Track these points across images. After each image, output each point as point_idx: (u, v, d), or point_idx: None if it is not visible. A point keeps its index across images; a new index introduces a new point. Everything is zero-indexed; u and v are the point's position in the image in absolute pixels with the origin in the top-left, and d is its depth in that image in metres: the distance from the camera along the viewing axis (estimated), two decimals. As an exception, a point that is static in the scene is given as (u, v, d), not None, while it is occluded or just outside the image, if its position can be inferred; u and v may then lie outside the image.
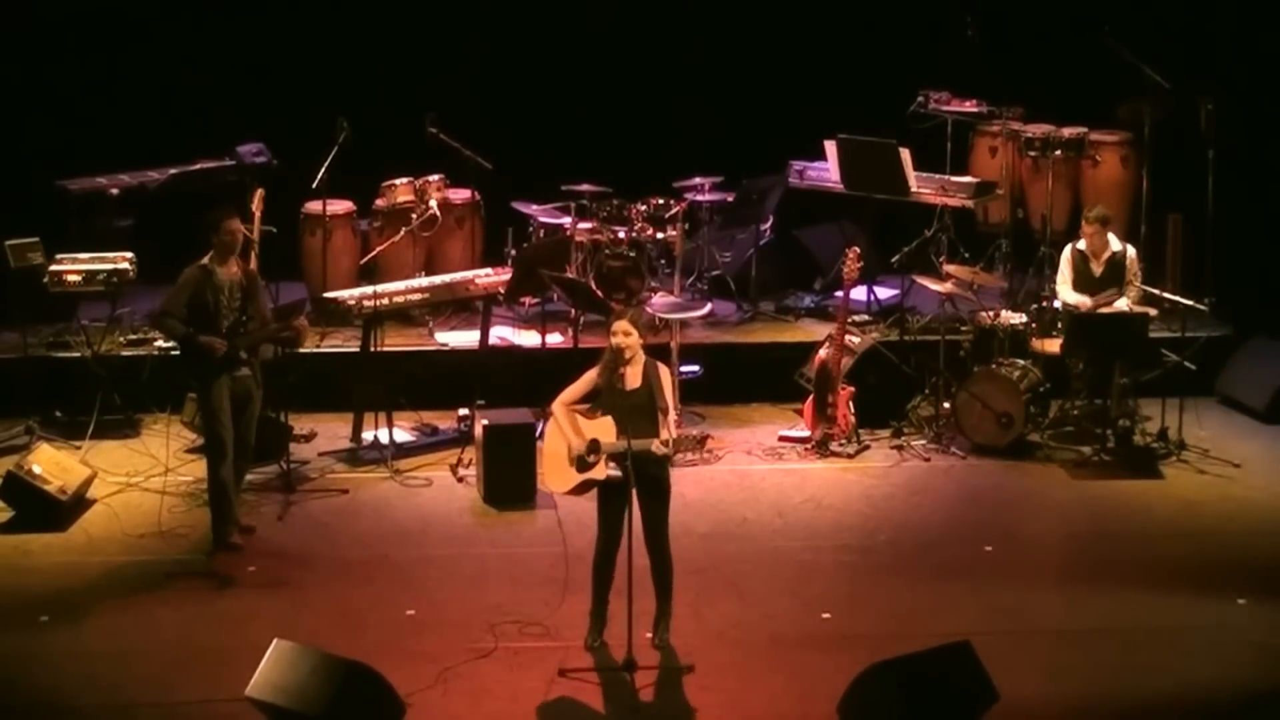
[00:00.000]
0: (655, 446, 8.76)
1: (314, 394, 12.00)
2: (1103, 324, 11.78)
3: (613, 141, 13.94)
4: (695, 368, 12.61)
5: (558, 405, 8.99)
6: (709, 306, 12.75)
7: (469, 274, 12.60)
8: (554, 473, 9.05)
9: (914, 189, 13.22)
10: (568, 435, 8.89)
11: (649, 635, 9.06)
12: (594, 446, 8.81)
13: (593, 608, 9.10)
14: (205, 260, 10.15)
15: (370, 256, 12.89)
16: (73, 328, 12.52)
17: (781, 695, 8.65)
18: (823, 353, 11.99)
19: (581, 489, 8.97)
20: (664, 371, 9.00)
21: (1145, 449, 11.81)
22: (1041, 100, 13.81)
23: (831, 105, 13.68)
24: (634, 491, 8.73)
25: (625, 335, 8.84)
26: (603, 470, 8.82)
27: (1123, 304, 11.93)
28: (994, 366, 11.93)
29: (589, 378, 9.00)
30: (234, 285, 10.16)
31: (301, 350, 11.45)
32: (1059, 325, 12.02)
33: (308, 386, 11.79)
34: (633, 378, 8.90)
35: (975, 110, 13.88)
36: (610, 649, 8.98)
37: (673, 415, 9.09)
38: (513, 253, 13.44)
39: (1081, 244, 12.09)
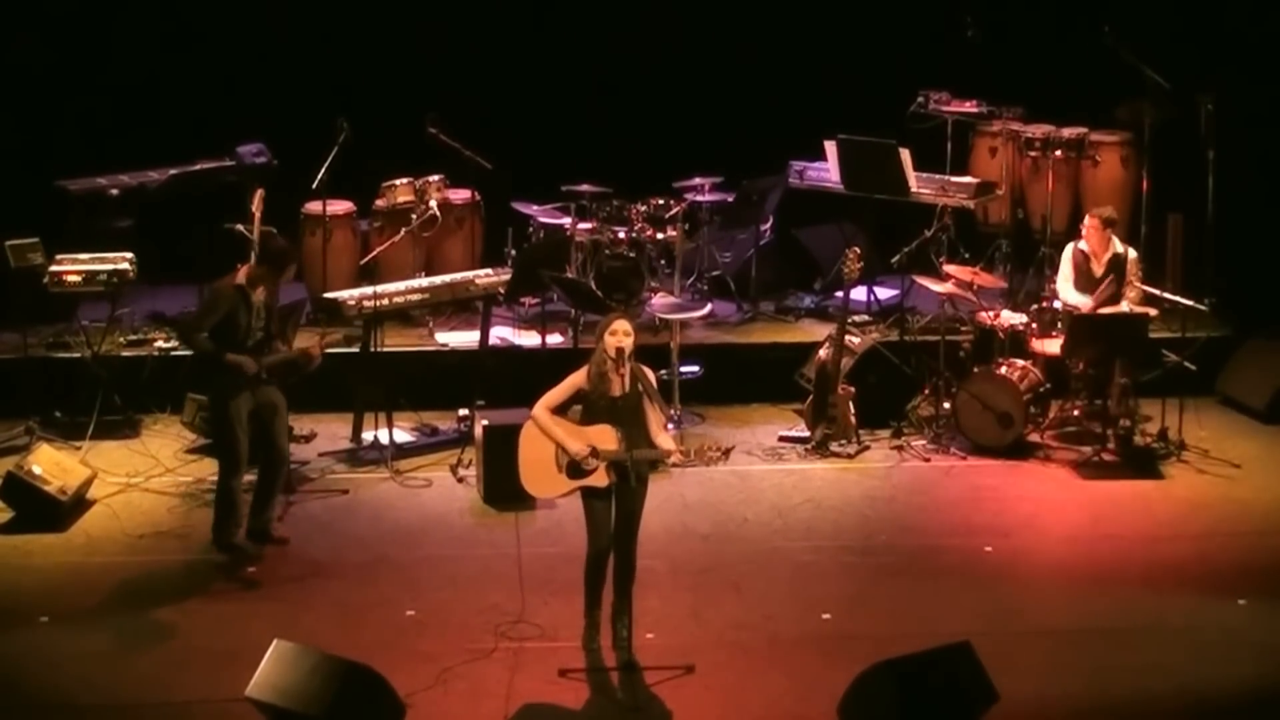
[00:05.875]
0: (676, 457, 8.75)
1: (314, 394, 11.99)
2: (1103, 324, 11.78)
3: (613, 141, 13.94)
4: (695, 368, 12.61)
5: (541, 410, 8.87)
6: (709, 307, 12.76)
7: (469, 274, 12.59)
8: (539, 478, 8.93)
9: (914, 189, 13.22)
10: (560, 440, 8.79)
11: (649, 635, 9.06)
12: (593, 452, 8.76)
13: (589, 609, 9.07)
14: (242, 280, 10.12)
15: (370, 257, 12.88)
16: (73, 328, 12.52)
17: (781, 695, 8.65)
18: (823, 353, 11.99)
19: (572, 493, 8.92)
20: (650, 374, 8.95)
21: (1145, 449, 11.82)
22: (1041, 100, 13.81)
23: (831, 105, 13.69)
24: (618, 492, 8.72)
25: (626, 335, 8.79)
26: (604, 477, 8.78)
27: (1123, 305, 11.93)
28: (994, 367, 11.93)
29: (573, 381, 8.89)
30: (260, 306, 10.17)
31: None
32: (1059, 325, 12.02)
33: (308, 386, 11.77)
34: (622, 382, 8.82)
35: (975, 110, 13.87)
36: (609, 649, 8.97)
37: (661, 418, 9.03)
38: (513, 253, 13.44)
39: (1083, 244, 12.09)
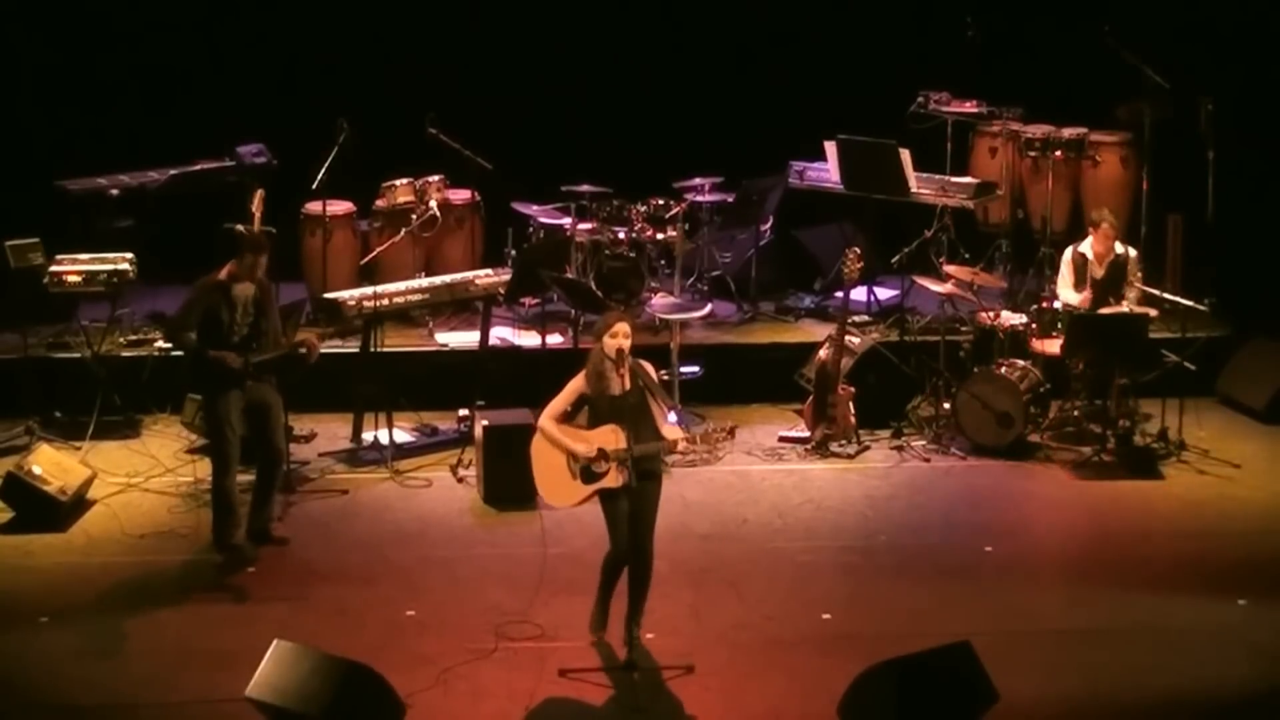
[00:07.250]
0: (681, 445, 8.76)
1: (314, 394, 11.99)
2: (1103, 324, 11.78)
3: (613, 141, 13.94)
4: (695, 368, 12.60)
5: (546, 421, 8.86)
6: (709, 307, 12.75)
7: (469, 274, 12.59)
8: (556, 488, 8.92)
9: (914, 189, 13.23)
10: (568, 446, 8.78)
11: (650, 635, 9.05)
12: (602, 454, 8.75)
13: (599, 600, 9.06)
14: (222, 275, 10.10)
15: (370, 257, 12.89)
16: (73, 328, 12.52)
17: (781, 695, 8.65)
18: (823, 353, 11.99)
19: (591, 498, 8.89)
20: (649, 368, 8.95)
21: (1145, 449, 11.82)
22: (1041, 100, 13.81)
23: (831, 105, 13.68)
24: (630, 490, 8.70)
25: (627, 337, 8.78)
26: (616, 477, 8.76)
27: (1124, 305, 11.92)
28: (994, 367, 11.93)
29: (574, 388, 8.88)
30: (247, 301, 10.10)
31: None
32: (1059, 326, 12.02)
33: (308, 386, 11.78)
34: (622, 380, 8.81)
35: (975, 110, 13.88)
36: (611, 648, 8.97)
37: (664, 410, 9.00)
38: (513, 253, 13.44)
39: (1084, 246, 12.08)
